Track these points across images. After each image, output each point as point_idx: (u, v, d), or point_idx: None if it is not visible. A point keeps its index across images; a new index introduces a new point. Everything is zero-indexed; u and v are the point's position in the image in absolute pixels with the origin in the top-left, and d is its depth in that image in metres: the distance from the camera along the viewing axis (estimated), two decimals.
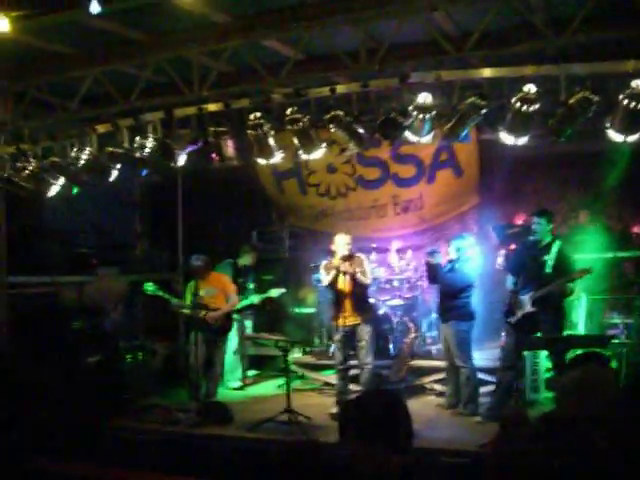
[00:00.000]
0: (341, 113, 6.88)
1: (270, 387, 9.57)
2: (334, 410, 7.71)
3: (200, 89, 7.48)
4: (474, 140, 9.53)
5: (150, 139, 7.77)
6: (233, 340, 9.51)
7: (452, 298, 7.82)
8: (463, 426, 7.27)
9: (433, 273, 8.05)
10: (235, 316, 9.13)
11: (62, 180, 8.52)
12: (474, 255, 8.02)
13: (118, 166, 8.14)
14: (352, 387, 8.21)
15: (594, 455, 2.75)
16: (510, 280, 7.46)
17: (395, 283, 9.60)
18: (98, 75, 7.78)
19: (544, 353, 7.82)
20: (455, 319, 7.77)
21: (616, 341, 8.01)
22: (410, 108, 6.65)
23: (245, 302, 9.48)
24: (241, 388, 9.54)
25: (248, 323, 9.97)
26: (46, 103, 8.50)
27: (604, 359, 7.33)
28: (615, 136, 6.36)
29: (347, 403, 7.32)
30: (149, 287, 8.54)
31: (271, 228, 11.47)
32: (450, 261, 7.97)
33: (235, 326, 9.31)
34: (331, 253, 8.07)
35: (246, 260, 9.97)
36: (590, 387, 3.24)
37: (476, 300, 9.76)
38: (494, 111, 6.71)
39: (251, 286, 9.92)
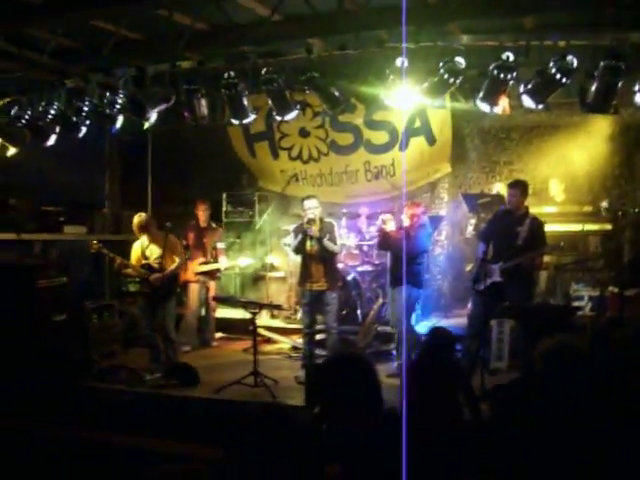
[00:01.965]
0: (317, 75, 6.80)
1: (237, 350, 9.56)
2: (300, 374, 7.73)
3: (174, 47, 7.32)
4: (448, 109, 9.50)
5: (121, 95, 7.60)
6: (194, 302, 9.40)
7: (406, 264, 7.79)
8: None
9: (385, 239, 7.99)
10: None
11: (29, 135, 8.33)
12: (426, 223, 7.98)
13: (87, 122, 7.97)
14: (318, 352, 8.25)
15: None
16: (480, 249, 7.49)
17: (365, 249, 9.60)
18: (69, 28, 7.56)
19: (510, 322, 7.89)
20: (407, 284, 7.70)
21: (581, 313, 8.13)
22: (387, 72, 6.59)
23: (212, 266, 9.44)
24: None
25: (212, 283, 9.75)
26: (13, 56, 8.26)
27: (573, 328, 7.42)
28: (589, 109, 6.39)
29: (314, 367, 7.44)
30: (94, 245, 8.26)
31: (241, 191, 11.37)
32: (404, 228, 7.94)
33: (197, 288, 9.24)
34: (301, 218, 8.04)
35: (202, 219, 9.66)
36: (569, 353, 3.31)
37: (444, 269, 9.89)
38: (470, 79, 6.69)
39: (220, 246, 9.72)
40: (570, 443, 2.89)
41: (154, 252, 8.16)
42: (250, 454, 2.25)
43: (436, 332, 5.69)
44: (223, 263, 9.54)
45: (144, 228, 8.19)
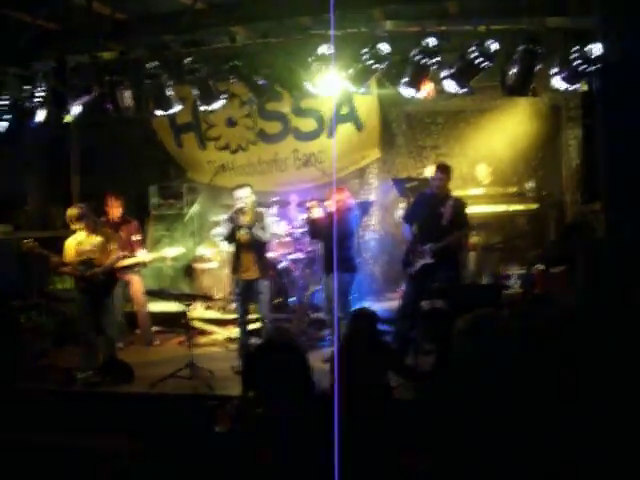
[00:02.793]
0: (240, 63, 6.78)
1: (173, 344, 9.47)
2: (236, 363, 7.71)
3: (94, 37, 7.18)
4: (374, 95, 9.59)
5: (41, 88, 7.40)
6: (117, 299, 8.90)
7: (333, 249, 7.78)
8: None
9: (314, 228, 8.05)
10: None
11: None
12: (352, 206, 8.04)
13: (6, 117, 7.74)
14: (254, 341, 8.24)
15: None
16: (408, 231, 7.61)
17: (296, 236, 9.62)
18: None
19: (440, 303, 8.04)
20: (338, 270, 7.73)
21: (508, 291, 8.34)
22: (310, 59, 6.61)
23: (135, 260, 9.07)
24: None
25: (133, 278, 9.27)
26: None
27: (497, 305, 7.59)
28: (510, 92, 6.55)
29: (249, 354, 7.44)
30: (29, 244, 7.85)
31: (169, 183, 11.23)
32: (329, 213, 7.97)
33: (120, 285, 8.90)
34: (231, 208, 7.99)
35: (116, 212, 9.25)
36: (481, 327, 3.41)
37: (375, 253, 9.98)
38: (395, 65, 6.76)
39: (136, 238, 9.26)
40: (493, 419, 2.98)
41: (89, 246, 7.88)
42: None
43: (356, 313, 5.77)
44: (142, 256, 9.30)
45: (80, 219, 7.86)
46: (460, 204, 7.46)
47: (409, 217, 7.79)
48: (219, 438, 2.24)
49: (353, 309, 6.52)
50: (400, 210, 8.29)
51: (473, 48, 6.24)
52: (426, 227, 7.45)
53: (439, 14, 6.99)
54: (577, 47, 6.15)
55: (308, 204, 8.05)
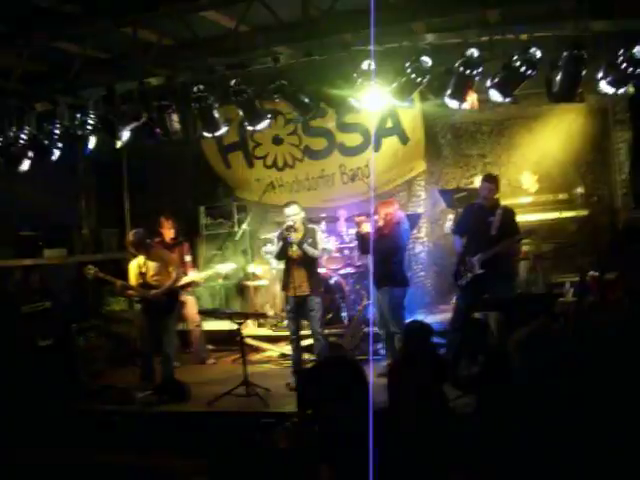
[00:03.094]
0: (285, 83, 6.86)
1: (226, 362, 9.56)
2: (291, 380, 7.75)
3: (141, 64, 7.33)
4: (418, 107, 9.59)
5: (92, 116, 7.60)
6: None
7: (384, 264, 7.79)
8: None
9: (364, 243, 8.06)
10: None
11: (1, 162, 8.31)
12: (402, 219, 8.03)
13: (59, 145, 7.95)
14: (307, 357, 8.28)
15: None
16: (458, 243, 7.58)
17: (346, 252, 9.65)
18: (36, 52, 7.55)
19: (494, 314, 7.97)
20: (388, 285, 7.78)
21: (562, 299, 8.22)
22: (354, 75, 6.65)
23: (189, 279, 9.31)
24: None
25: (188, 298, 9.48)
26: None
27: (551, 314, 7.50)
28: (556, 98, 6.49)
29: (304, 371, 7.47)
30: (90, 271, 8.14)
31: (219, 203, 11.37)
32: (378, 227, 7.99)
33: None
34: (281, 225, 8.06)
35: (167, 234, 9.47)
36: (538, 340, 3.38)
37: (426, 265, 9.93)
38: (438, 77, 6.76)
39: (188, 259, 9.53)
40: (551, 432, 2.95)
41: (150, 269, 8.12)
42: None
43: (410, 326, 5.76)
44: (195, 275, 9.47)
45: (139, 244, 8.13)
46: (509, 213, 7.42)
47: (459, 228, 7.76)
48: (280, 455, 2.27)
49: (407, 322, 6.50)
50: (449, 221, 8.25)
51: (516, 57, 6.21)
52: (475, 238, 7.42)
53: (480, 23, 6.96)
54: (622, 50, 6.08)
55: (357, 219, 8.07)
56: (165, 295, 8.13)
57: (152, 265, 8.13)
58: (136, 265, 8.15)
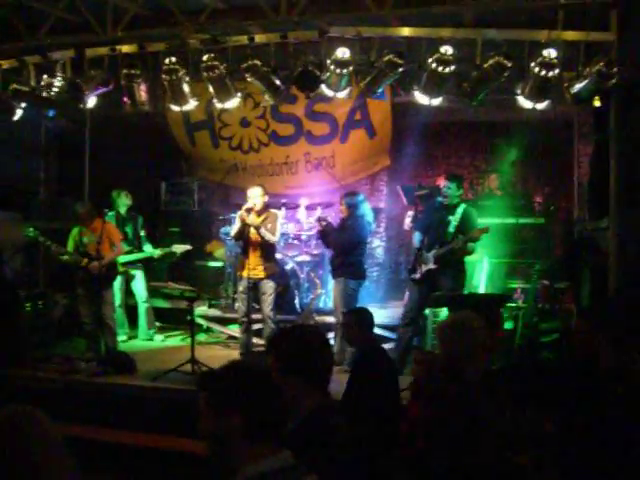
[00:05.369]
0: (258, 63, 6.83)
1: (175, 340, 9.50)
2: None
3: (114, 29, 7.23)
4: (388, 102, 9.63)
5: (58, 78, 7.47)
6: (118, 294, 9.04)
7: (343, 255, 7.84)
8: None
9: (326, 238, 8.09)
10: (121, 268, 8.78)
11: None
12: (366, 212, 8.06)
13: (23, 105, 7.81)
14: (256, 341, 8.27)
15: None
16: (417, 238, 7.63)
17: (303, 238, 9.65)
18: (4, 7, 7.39)
19: (444, 312, 8.04)
20: (345, 276, 7.81)
21: (513, 304, 8.33)
22: (328, 62, 6.65)
23: (144, 254, 9.28)
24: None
25: (137, 272, 9.39)
26: None
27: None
28: (525, 103, 6.56)
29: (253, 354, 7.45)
30: (30, 232, 8.06)
31: (181, 180, 11.28)
32: (342, 219, 8.01)
33: (120, 278, 8.93)
34: (240, 207, 8.02)
35: (123, 207, 9.44)
36: (460, 327, 3.47)
37: (382, 260, 9.98)
38: (410, 72, 6.79)
39: (142, 234, 9.48)
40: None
41: (92, 239, 8.02)
42: None
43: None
44: (151, 250, 9.40)
45: (85, 217, 8.04)
46: (470, 211, 7.49)
47: (419, 224, 7.81)
48: None
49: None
50: (408, 218, 8.28)
51: (491, 62, 6.26)
52: (433, 234, 7.48)
53: (455, 22, 7.01)
54: (594, 62, 6.17)
55: (318, 216, 8.10)
56: (104, 267, 8.00)
57: (94, 236, 8.01)
58: (77, 232, 8.06)
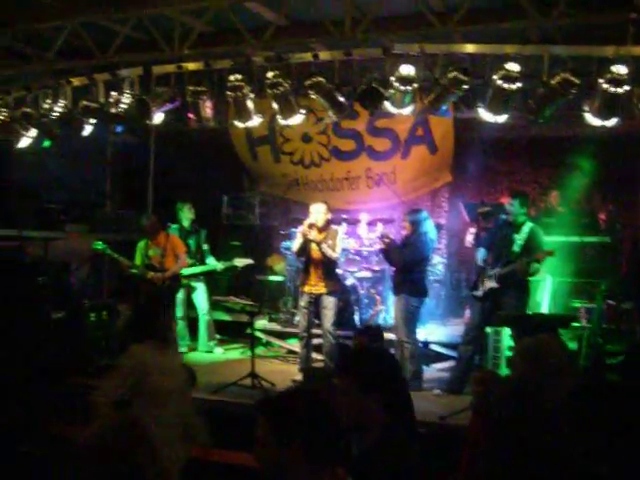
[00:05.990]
0: (323, 80, 6.86)
1: (235, 353, 9.57)
2: (298, 377, 7.74)
3: (180, 47, 7.38)
4: (451, 118, 9.57)
5: (127, 95, 7.65)
6: (180, 306, 9.18)
7: (405, 272, 7.75)
8: (422, 399, 7.28)
9: (389, 255, 7.99)
10: (184, 281, 8.92)
11: (33, 132, 8.40)
12: (429, 229, 7.96)
13: (92, 121, 8.02)
14: (315, 356, 8.27)
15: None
16: (480, 255, 7.51)
17: (364, 254, 9.64)
18: (76, 27, 7.61)
19: (506, 331, 7.92)
20: (406, 293, 7.70)
21: (577, 324, 8.16)
22: (392, 79, 6.64)
23: (207, 267, 9.36)
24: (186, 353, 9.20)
25: (199, 285, 9.44)
26: (21, 53, 8.32)
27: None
28: (592, 120, 6.43)
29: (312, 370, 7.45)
30: (98, 245, 8.30)
31: (242, 194, 11.40)
32: (405, 236, 7.96)
33: (182, 291, 9.03)
34: (301, 222, 8.06)
35: (186, 221, 9.47)
36: (539, 352, 3.38)
37: (442, 277, 9.88)
38: (473, 90, 6.74)
39: (205, 247, 9.55)
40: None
41: (156, 252, 8.21)
42: None
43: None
44: (213, 264, 9.50)
45: (151, 229, 8.24)
46: (536, 231, 7.35)
47: (483, 242, 7.71)
48: None
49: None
50: (470, 235, 8.19)
51: (558, 78, 6.15)
52: (498, 252, 7.38)
53: (520, 39, 6.93)
54: None
55: (379, 234, 8.08)
56: (168, 279, 8.17)
57: (158, 249, 8.20)
58: (143, 245, 8.23)
